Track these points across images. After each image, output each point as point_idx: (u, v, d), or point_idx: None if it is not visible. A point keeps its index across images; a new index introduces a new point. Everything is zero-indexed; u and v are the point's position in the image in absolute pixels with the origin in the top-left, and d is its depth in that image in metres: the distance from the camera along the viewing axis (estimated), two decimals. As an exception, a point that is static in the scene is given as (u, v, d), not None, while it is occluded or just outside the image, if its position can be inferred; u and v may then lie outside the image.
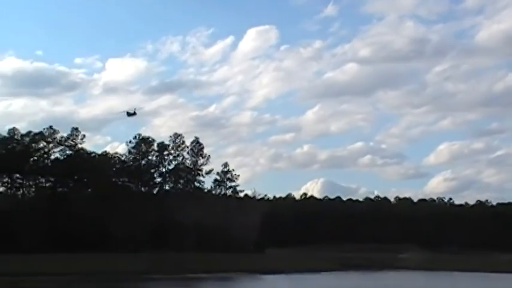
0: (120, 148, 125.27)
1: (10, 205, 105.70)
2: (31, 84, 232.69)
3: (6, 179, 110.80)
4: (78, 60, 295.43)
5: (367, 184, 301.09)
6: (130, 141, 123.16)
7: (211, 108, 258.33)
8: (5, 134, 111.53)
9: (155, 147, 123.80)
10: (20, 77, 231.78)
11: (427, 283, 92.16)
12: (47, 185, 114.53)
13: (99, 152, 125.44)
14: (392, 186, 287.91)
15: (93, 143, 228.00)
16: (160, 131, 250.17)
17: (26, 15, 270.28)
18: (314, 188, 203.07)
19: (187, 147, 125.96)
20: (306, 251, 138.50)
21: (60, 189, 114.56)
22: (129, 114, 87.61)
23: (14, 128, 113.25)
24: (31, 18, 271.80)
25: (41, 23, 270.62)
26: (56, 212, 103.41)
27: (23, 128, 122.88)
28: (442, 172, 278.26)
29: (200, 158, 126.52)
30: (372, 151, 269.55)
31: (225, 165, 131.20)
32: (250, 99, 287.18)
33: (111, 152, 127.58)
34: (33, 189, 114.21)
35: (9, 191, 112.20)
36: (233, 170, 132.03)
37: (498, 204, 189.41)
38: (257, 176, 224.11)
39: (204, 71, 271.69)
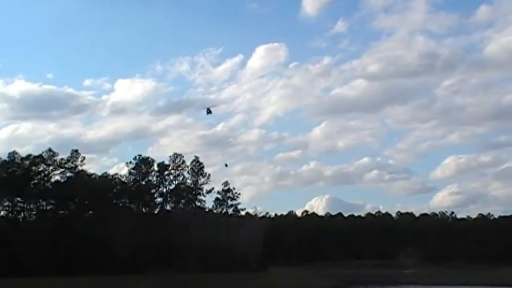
0: (125, 169, 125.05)
1: (11, 229, 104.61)
2: (39, 107, 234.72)
3: (7, 203, 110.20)
4: (87, 82, 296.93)
5: (373, 200, 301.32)
6: (130, 162, 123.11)
7: (219, 127, 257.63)
8: (5, 157, 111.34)
9: (155, 167, 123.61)
10: (27, 100, 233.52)
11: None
12: (48, 208, 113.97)
13: (103, 173, 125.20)
14: (398, 201, 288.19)
15: (100, 165, 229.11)
16: (167, 150, 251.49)
17: (38, 39, 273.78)
18: (319, 205, 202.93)
19: (188, 166, 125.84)
20: (310, 269, 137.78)
21: (62, 212, 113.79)
22: (208, 112, 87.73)
23: (14, 151, 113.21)
24: (43, 42, 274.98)
25: (52, 46, 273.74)
26: (58, 235, 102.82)
27: (30, 151, 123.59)
28: (448, 186, 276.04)
29: (201, 177, 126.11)
30: (378, 166, 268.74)
31: (226, 184, 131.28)
32: (258, 117, 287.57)
33: (117, 173, 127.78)
34: (35, 213, 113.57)
35: (10, 214, 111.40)
36: (234, 188, 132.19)
37: (500, 217, 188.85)
38: (263, 194, 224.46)
39: (213, 90, 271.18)
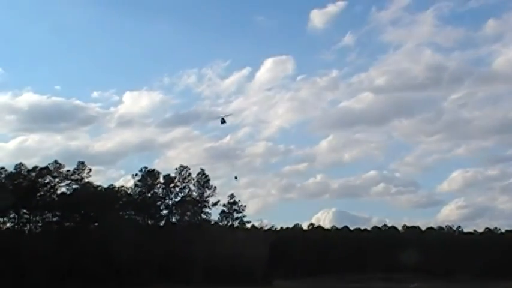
0: (132, 182, 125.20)
1: (17, 240, 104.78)
2: (47, 119, 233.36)
3: (13, 215, 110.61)
4: (95, 94, 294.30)
5: (380, 213, 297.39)
6: (136, 174, 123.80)
7: (226, 140, 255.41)
8: (11, 169, 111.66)
9: (161, 179, 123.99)
10: (35, 112, 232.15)
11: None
12: (54, 219, 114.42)
13: (109, 185, 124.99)
14: (404, 215, 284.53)
15: (107, 177, 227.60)
16: (173, 163, 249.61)
17: (46, 51, 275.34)
18: (325, 218, 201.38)
19: (193, 179, 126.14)
20: (314, 282, 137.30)
21: (67, 223, 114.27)
22: (222, 121, 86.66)
23: (20, 163, 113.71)
24: (52, 54, 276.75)
25: (60, 58, 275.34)
26: (63, 247, 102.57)
27: (38, 163, 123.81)
28: (455, 200, 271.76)
29: (206, 189, 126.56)
30: (385, 180, 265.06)
31: (231, 196, 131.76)
32: (265, 129, 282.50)
33: (123, 185, 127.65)
34: (40, 225, 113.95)
35: (16, 226, 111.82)
36: (239, 201, 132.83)
37: (507, 231, 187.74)
38: (269, 206, 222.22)
39: (220, 103, 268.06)
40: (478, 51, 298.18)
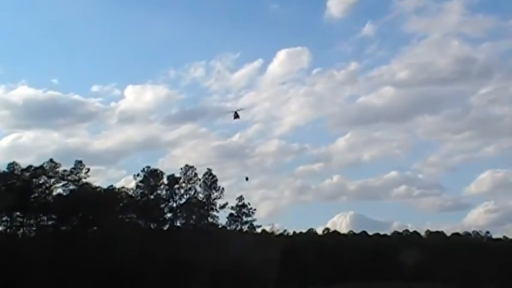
0: (133, 182, 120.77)
1: (10, 245, 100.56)
2: (43, 114, 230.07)
3: (5, 218, 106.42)
4: (95, 88, 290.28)
5: (401, 217, 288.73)
6: (138, 175, 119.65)
7: (235, 138, 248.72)
8: (4, 169, 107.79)
9: (165, 180, 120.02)
10: (30, 107, 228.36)
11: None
12: (50, 223, 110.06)
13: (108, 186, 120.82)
14: (428, 219, 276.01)
15: (107, 177, 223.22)
16: (179, 162, 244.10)
17: (42, 42, 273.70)
18: (342, 222, 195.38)
19: (200, 179, 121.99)
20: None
21: (64, 227, 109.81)
22: (235, 116, 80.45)
23: (14, 162, 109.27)
24: (48, 45, 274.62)
25: (58, 49, 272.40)
26: (60, 252, 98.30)
27: (33, 162, 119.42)
28: (484, 203, 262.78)
29: (213, 191, 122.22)
30: (407, 181, 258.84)
31: (240, 198, 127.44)
32: (278, 127, 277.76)
33: (124, 186, 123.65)
34: (35, 228, 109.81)
35: (8, 230, 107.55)
36: (249, 203, 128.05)
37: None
38: (281, 209, 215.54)
39: (229, 98, 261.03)
40: (509, 42, 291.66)
